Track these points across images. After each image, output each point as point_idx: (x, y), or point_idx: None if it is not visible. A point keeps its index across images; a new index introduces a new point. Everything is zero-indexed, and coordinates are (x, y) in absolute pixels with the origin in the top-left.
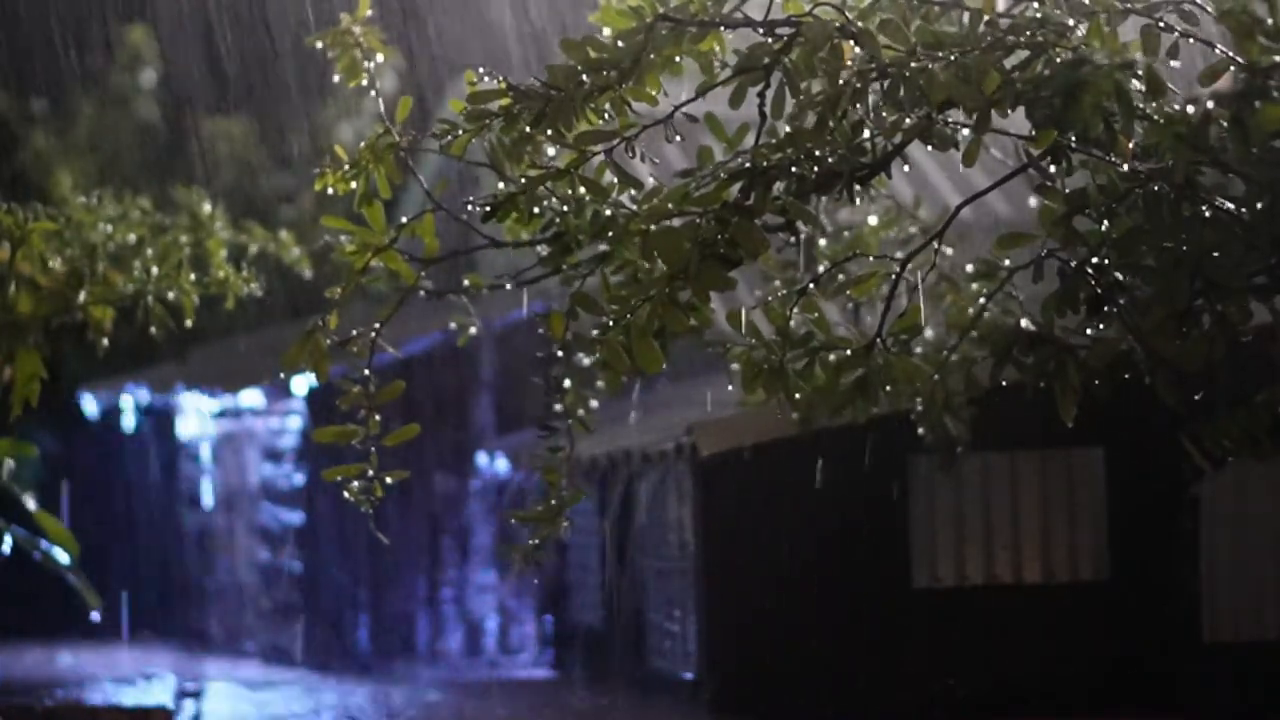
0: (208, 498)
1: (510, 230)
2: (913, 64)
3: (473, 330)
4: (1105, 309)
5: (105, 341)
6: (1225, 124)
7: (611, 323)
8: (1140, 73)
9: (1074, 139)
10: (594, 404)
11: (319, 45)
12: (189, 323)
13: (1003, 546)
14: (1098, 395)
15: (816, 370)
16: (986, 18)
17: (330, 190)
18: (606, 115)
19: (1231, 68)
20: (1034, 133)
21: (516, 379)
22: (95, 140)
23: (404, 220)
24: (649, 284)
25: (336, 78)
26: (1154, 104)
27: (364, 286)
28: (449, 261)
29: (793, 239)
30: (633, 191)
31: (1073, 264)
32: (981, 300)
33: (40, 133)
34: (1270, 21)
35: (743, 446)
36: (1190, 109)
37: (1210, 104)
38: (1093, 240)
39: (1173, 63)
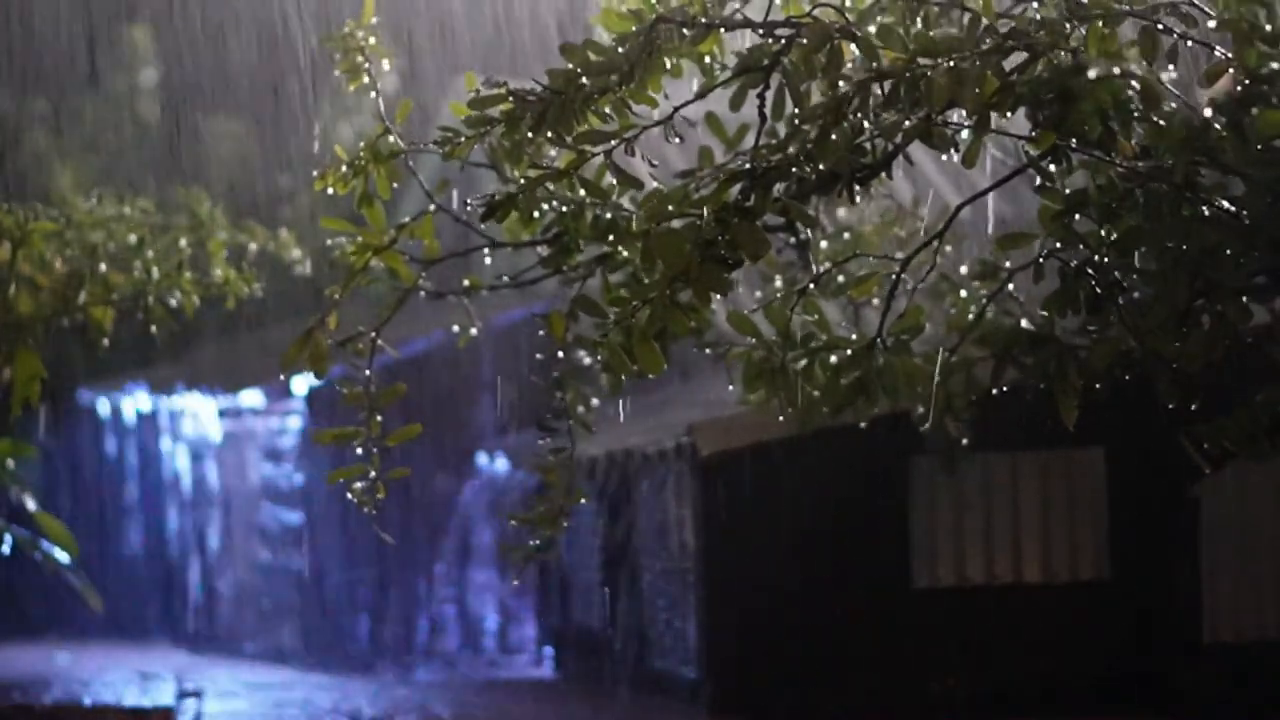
0: (208, 497)
1: (510, 231)
2: (912, 69)
3: (474, 332)
4: (1105, 309)
5: (105, 341)
6: (1224, 131)
7: (612, 324)
8: (1136, 85)
9: (1074, 140)
10: (595, 404)
11: (322, 47)
12: (189, 320)
13: (1002, 546)
14: (1098, 395)
15: (817, 371)
16: (985, 21)
17: (330, 191)
18: (607, 118)
19: (1230, 69)
20: (1034, 133)
21: (517, 379)
22: (95, 140)
23: (404, 221)
24: (649, 285)
25: (337, 74)
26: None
27: (364, 286)
28: (449, 261)
29: (793, 239)
30: (633, 193)
31: (1073, 264)
32: (982, 300)
33: (40, 133)
34: (1269, 28)
35: (743, 446)
36: (1190, 113)
37: (1209, 112)
38: (1093, 240)
39: (1170, 67)
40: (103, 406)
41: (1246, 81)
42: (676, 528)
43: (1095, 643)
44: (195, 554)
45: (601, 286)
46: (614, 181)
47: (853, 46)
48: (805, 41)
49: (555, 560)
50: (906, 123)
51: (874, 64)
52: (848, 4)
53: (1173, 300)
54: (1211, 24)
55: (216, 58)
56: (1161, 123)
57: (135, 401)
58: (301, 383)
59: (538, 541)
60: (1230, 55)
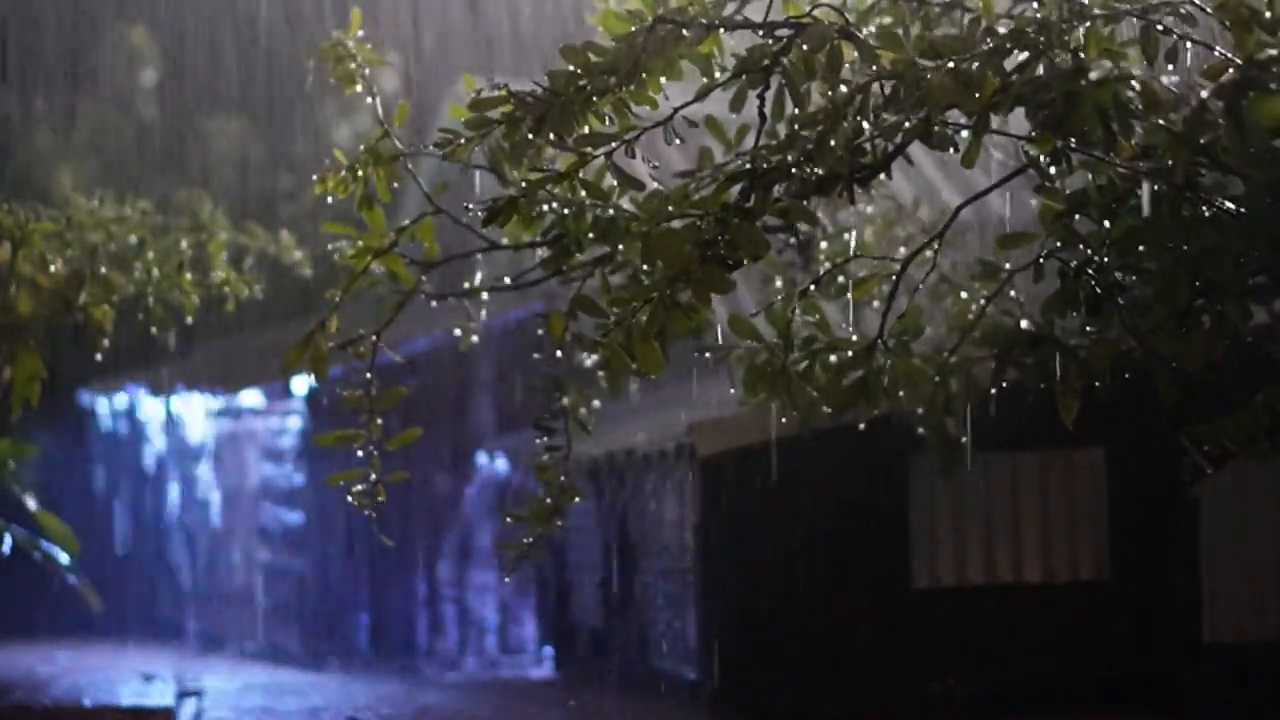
0: (208, 497)
1: (511, 233)
2: (912, 71)
3: (474, 339)
4: (1105, 309)
5: (105, 341)
6: (1221, 118)
7: (612, 325)
8: (1137, 86)
9: (1074, 140)
10: (595, 405)
11: (313, 60)
12: (189, 321)
13: (1003, 546)
14: (1098, 395)
15: (818, 372)
16: (985, 23)
17: (329, 199)
18: (607, 119)
19: (1230, 70)
20: (1034, 133)
21: (517, 379)
22: (95, 140)
23: (404, 223)
24: (649, 286)
25: (332, 82)
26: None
27: (366, 288)
28: (450, 261)
29: (793, 240)
30: (633, 194)
31: (1073, 264)
32: (982, 301)
33: (41, 132)
34: (1268, 14)
35: (743, 446)
36: (1189, 109)
37: (1204, 93)
38: (1093, 240)
39: (1170, 68)
40: (103, 406)
41: (1240, 64)
42: (676, 528)
43: (1095, 643)
44: (195, 554)
45: (601, 287)
46: (614, 183)
47: (852, 47)
48: (805, 46)
49: (556, 560)
50: (906, 123)
51: (874, 66)
52: (848, 4)
53: (1173, 300)
54: (1210, 4)
55: (217, 58)
56: (1161, 122)
57: (135, 401)
58: (301, 383)
59: (529, 539)
60: (1228, 54)
